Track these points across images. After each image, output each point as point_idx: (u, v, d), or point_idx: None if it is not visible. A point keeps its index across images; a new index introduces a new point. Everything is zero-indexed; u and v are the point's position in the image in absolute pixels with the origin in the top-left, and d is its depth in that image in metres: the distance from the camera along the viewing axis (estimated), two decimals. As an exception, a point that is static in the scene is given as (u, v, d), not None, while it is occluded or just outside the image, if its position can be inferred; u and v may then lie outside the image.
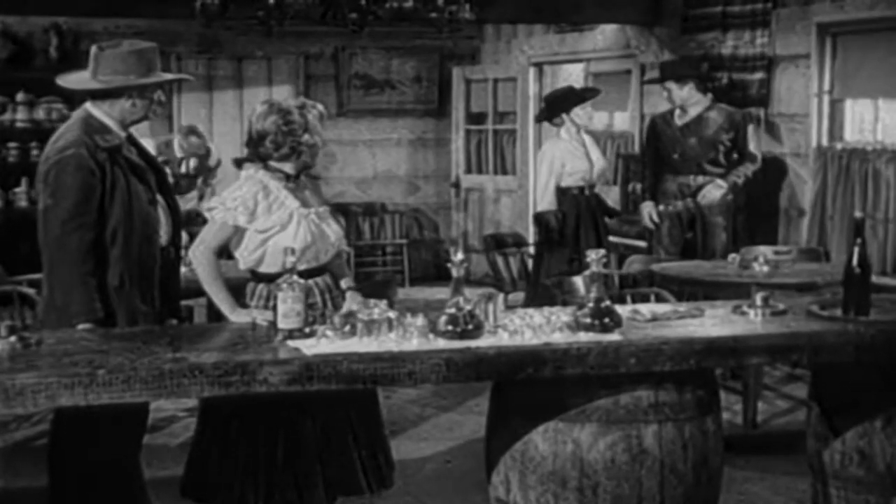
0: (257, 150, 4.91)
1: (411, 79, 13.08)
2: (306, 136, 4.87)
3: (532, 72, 12.28)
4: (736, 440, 6.39)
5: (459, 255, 4.41)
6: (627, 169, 10.10)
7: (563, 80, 12.42)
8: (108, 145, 4.83)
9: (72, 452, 4.93)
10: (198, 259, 4.83)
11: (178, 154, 10.44)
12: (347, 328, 4.40)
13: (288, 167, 4.92)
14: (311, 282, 4.83)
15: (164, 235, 5.03)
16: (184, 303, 5.58)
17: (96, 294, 4.73)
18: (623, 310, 4.82)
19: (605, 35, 11.20)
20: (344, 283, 5.10)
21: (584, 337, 4.39)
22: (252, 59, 12.57)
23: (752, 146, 8.76)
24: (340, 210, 12.53)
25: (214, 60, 12.51)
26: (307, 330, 4.37)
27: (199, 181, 9.92)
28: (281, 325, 4.38)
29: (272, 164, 4.90)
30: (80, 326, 4.66)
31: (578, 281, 7.19)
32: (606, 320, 4.47)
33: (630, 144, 10.88)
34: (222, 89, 12.46)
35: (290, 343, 4.28)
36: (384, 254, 13.09)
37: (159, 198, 5.03)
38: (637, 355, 4.32)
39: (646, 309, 4.90)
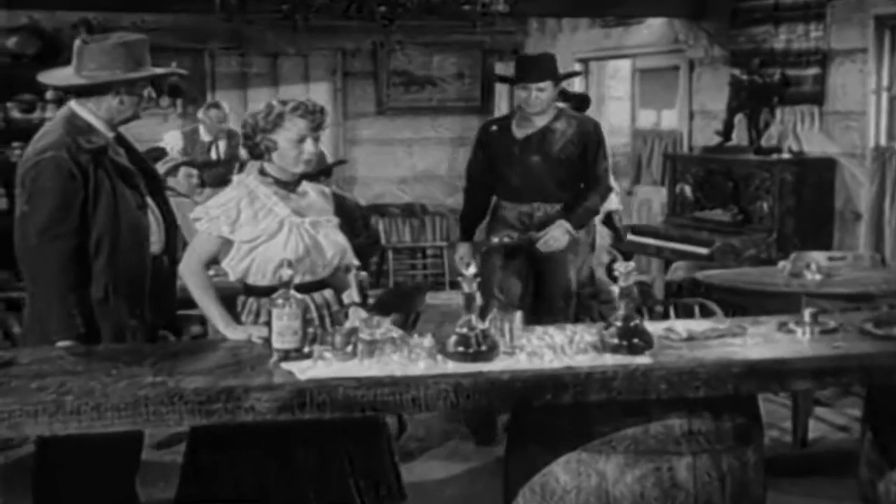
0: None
1: (453, 75, 12.68)
2: (259, 137, 4.50)
3: (577, 68, 11.75)
4: (782, 461, 5.96)
5: (472, 269, 4.00)
6: (675, 170, 9.64)
7: (610, 77, 12.07)
8: (92, 147, 4.45)
9: (61, 477, 4.56)
10: (186, 273, 4.46)
11: (205, 137, 10.14)
12: (349, 348, 4.00)
13: (276, 172, 4.53)
14: (306, 297, 4.45)
15: (156, 244, 4.66)
16: (186, 312, 5.19)
17: (77, 308, 4.36)
18: (657, 327, 4.42)
19: (651, 30, 10.84)
20: (347, 298, 4.69)
21: (610, 359, 4.00)
22: (287, 56, 12.21)
23: (600, 167, 6.94)
24: (379, 211, 12.19)
25: (248, 57, 12.16)
26: (306, 350, 3.99)
27: (236, 168, 9.53)
28: (276, 344, 4.00)
29: (267, 167, 4.52)
30: (60, 344, 4.31)
31: (615, 290, 6.76)
32: (635, 341, 4.07)
33: (678, 144, 10.45)
34: (256, 87, 12.10)
35: (284, 365, 3.90)
36: (424, 256, 12.68)
37: (151, 203, 4.66)
38: (668, 380, 3.93)
39: (682, 327, 4.48)
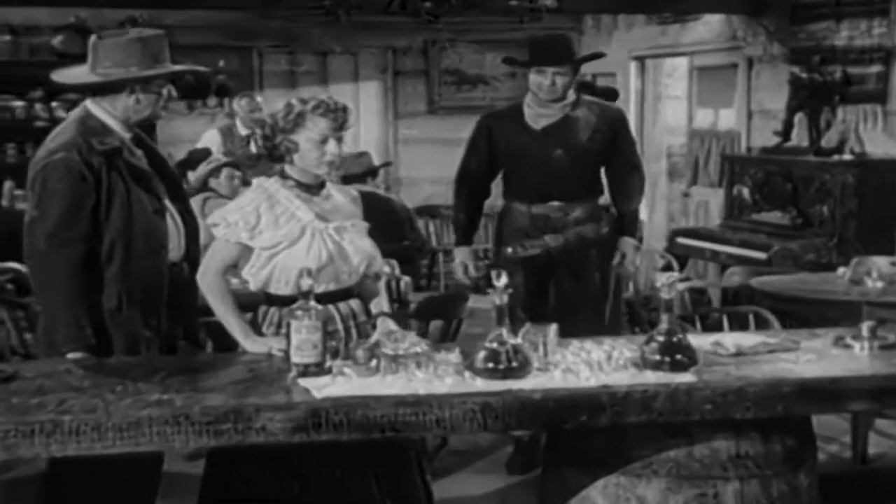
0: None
1: (505, 74, 12.40)
2: (278, 138, 4.26)
3: (633, 66, 11.68)
4: (839, 480, 5.66)
5: (503, 280, 3.74)
6: (733, 171, 9.37)
7: (667, 75, 11.80)
8: (105, 148, 4.23)
9: (72, 494, 4.34)
10: (204, 283, 4.23)
11: (242, 132, 9.94)
12: (373, 363, 3.76)
13: (298, 174, 4.29)
14: (330, 307, 4.22)
15: (174, 250, 4.43)
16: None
17: (86, 318, 4.14)
18: (704, 341, 4.14)
19: (709, 26, 10.61)
20: (375, 308, 4.45)
21: (651, 377, 3.73)
22: (336, 54, 12.01)
23: (636, 156, 6.36)
24: (429, 213, 11.95)
25: (297, 55, 11.98)
26: (328, 365, 3.75)
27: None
28: (294, 358, 3.76)
29: (288, 169, 4.29)
30: (69, 355, 4.09)
31: (671, 296, 6.48)
32: (678, 357, 3.80)
33: (736, 144, 10.17)
34: (305, 86, 11.90)
35: (301, 382, 3.66)
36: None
37: (170, 207, 4.43)
38: (713, 400, 3.66)
39: (730, 341, 4.19)
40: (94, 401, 3.46)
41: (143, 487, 4.51)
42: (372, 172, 8.77)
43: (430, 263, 11.76)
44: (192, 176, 7.75)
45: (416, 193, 12.05)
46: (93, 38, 4.42)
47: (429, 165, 12.41)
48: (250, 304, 4.36)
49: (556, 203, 6.06)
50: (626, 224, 6.23)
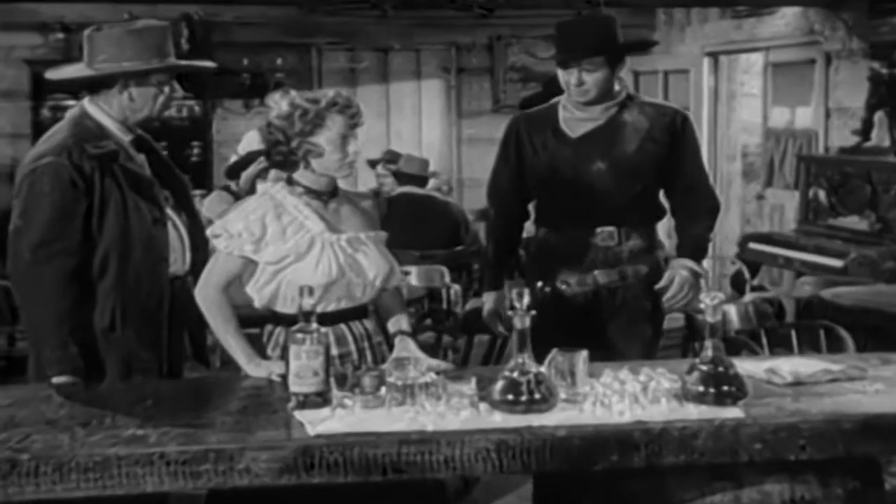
0: (269, 160, 3.92)
1: (575, 70, 12.02)
2: (295, 142, 3.83)
3: (706, 62, 11.25)
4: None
5: (525, 299, 3.32)
6: (809, 172, 8.92)
7: (742, 72, 11.36)
8: (99, 152, 3.87)
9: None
10: (201, 299, 3.83)
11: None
12: (382, 392, 3.36)
13: (308, 180, 3.89)
14: (342, 327, 3.84)
15: (177, 262, 4.05)
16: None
17: (75, 338, 3.79)
18: (758, 367, 3.71)
19: (785, 20, 10.21)
20: (393, 326, 4.05)
21: (692, 411, 3.30)
22: (397, 51, 11.64)
23: (703, 172, 4.99)
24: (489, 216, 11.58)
25: (356, 52, 11.62)
26: (331, 394, 3.36)
27: None
28: (293, 387, 3.37)
29: (296, 176, 3.89)
30: (55, 380, 3.74)
31: (731, 310, 6.03)
32: (724, 388, 3.37)
33: (813, 144, 9.71)
34: (365, 83, 11.57)
35: (298, 414, 3.27)
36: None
37: (173, 216, 4.06)
38: (763, 438, 3.24)
39: (787, 367, 3.74)
40: (61, 436, 3.10)
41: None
42: (424, 180, 8.49)
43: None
44: (243, 176, 7.46)
45: (479, 195, 11.62)
46: (87, 31, 4.06)
47: (492, 166, 12.06)
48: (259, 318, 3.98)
49: (605, 229, 4.77)
50: (683, 245, 4.85)
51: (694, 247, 4.82)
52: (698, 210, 4.86)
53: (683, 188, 4.85)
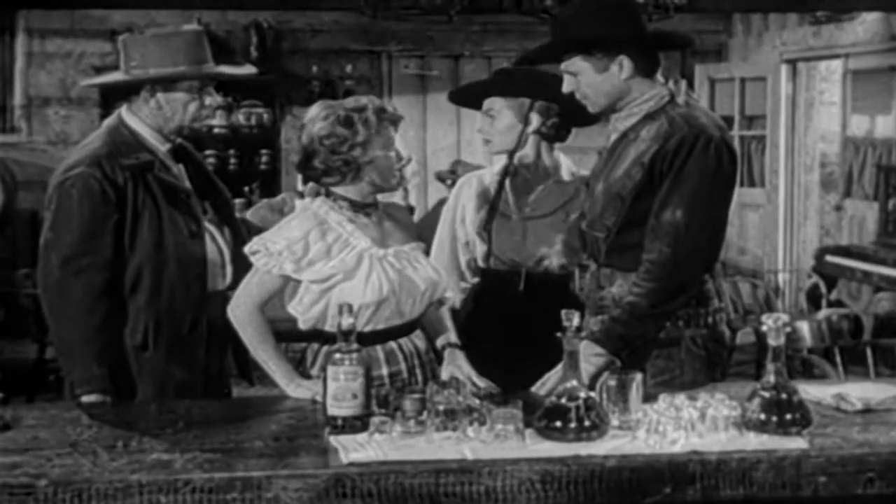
0: (306, 172, 3.74)
1: (648, 78, 11.82)
2: (357, 151, 3.66)
3: (784, 69, 11.06)
4: None
5: (575, 320, 3.13)
6: (889, 183, 8.67)
7: (822, 80, 11.11)
8: (133, 163, 3.72)
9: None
10: (236, 319, 3.66)
11: None
12: (424, 416, 3.19)
13: (353, 193, 3.73)
14: (391, 345, 3.69)
15: (219, 277, 3.90)
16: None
17: (102, 357, 3.66)
18: (826, 392, 3.49)
19: (865, 26, 10.01)
20: (442, 340, 3.87)
21: (752, 441, 3.09)
22: (468, 58, 11.49)
23: (674, 213, 3.60)
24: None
25: (427, 59, 11.49)
26: (379, 419, 3.19)
27: None
28: (331, 410, 3.20)
29: (337, 190, 3.72)
30: (84, 398, 3.62)
31: (804, 327, 5.80)
32: (787, 417, 3.15)
33: (894, 153, 9.46)
34: (437, 91, 11.41)
35: (333, 440, 3.11)
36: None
37: (212, 229, 3.91)
38: (828, 471, 3.02)
39: (858, 393, 3.51)
40: (83, 459, 2.95)
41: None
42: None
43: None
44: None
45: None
46: (123, 35, 3.93)
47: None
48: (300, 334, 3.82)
49: (601, 270, 3.79)
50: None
51: (610, 327, 3.63)
52: (663, 265, 3.58)
53: (656, 226, 3.62)
